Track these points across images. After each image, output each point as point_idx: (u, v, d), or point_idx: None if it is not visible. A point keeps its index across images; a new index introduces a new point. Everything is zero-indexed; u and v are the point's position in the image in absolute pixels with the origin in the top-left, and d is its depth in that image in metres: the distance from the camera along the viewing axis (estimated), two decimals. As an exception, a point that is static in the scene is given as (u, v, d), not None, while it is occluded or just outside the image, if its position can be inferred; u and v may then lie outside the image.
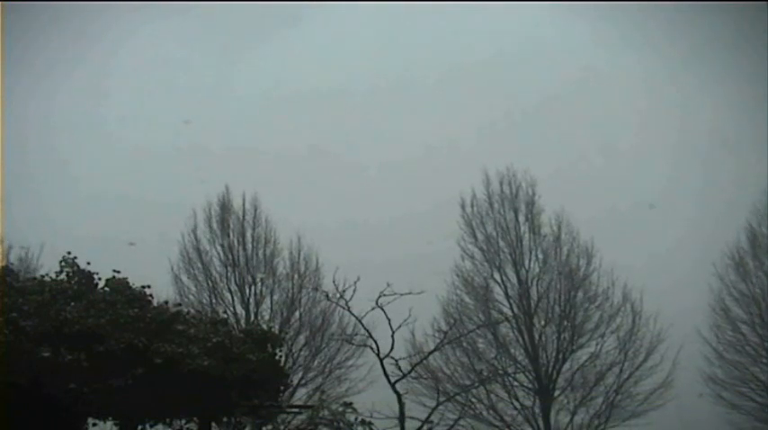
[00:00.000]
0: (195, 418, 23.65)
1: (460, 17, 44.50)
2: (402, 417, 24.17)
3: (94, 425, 22.88)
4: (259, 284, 36.10)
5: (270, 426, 26.06)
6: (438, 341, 31.30)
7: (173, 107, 43.89)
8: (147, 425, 23.08)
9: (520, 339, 35.45)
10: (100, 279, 22.94)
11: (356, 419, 23.31)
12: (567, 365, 35.03)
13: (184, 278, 36.21)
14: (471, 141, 43.27)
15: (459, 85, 45.34)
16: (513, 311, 35.65)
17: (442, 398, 28.75)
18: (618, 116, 42.78)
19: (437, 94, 45.72)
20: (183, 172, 41.74)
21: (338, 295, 25.74)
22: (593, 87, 43.42)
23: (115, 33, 41.29)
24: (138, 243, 31.99)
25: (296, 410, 26.81)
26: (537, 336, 35.32)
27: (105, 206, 40.67)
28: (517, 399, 34.71)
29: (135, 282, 23.04)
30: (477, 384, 33.69)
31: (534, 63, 45.18)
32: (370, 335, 25.39)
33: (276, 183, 40.64)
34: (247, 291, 36.09)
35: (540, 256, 36.28)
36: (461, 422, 30.97)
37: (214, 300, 35.77)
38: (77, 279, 22.60)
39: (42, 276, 23.12)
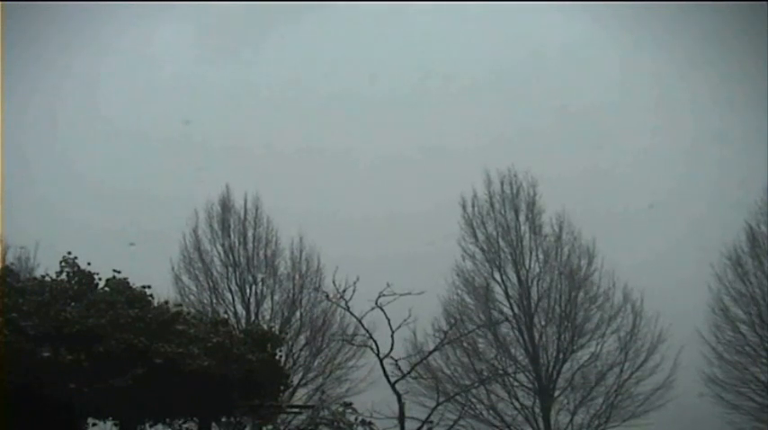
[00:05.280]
0: (195, 418, 23.70)
1: (465, 17, 44.56)
2: (402, 417, 24.17)
3: (94, 425, 22.93)
4: (260, 284, 36.11)
5: (270, 426, 26.09)
6: (438, 341, 31.32)
7: (173, 105, 43.96)
8: (147, 425, 23.13)
9: (520, 339, 35.49)
10: (100, 279, 22.94)
11: (356, 419, 23.35)
12: (567, 365, 35.07)
13: (185, 278, 36.27)
14: (473, 141, 43.29)
15: (463, 85, 45.36)
16: (513, 311, 35.70)
17: (441, 398, 28.72)
18: (618, 116, 42.78)
19: (439, 93, 45.77)
20: (183, 171, 41.80)
21: (338, 295, 25.77)
22: (595, 87, 43.42)
23: (115, 30, 41.35)
24: (138, 243, 32.05)
25: (296, 410, 26.87)
26: (537, 336, 35.35)
27: (105, 205, 40.71)
28: (517, 399, 34.74)
29: (135, 282, 23.04)
30: (477, 384, 33.69)
31: (539, 63, 45.27)
32: (371, 336, 25.40)
33: (277, 181, 40.65)
34: (248, 291, 36.11)
35: (541, 256, 36.32)
36: (461, 422, 30.94)
37: (215, 301, 35.81)
38: (78, 279, 22.61)
39: (42, 276, 23.12)
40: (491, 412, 34.59)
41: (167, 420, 23.35)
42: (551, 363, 35.05)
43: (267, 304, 36.04)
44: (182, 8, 41.04)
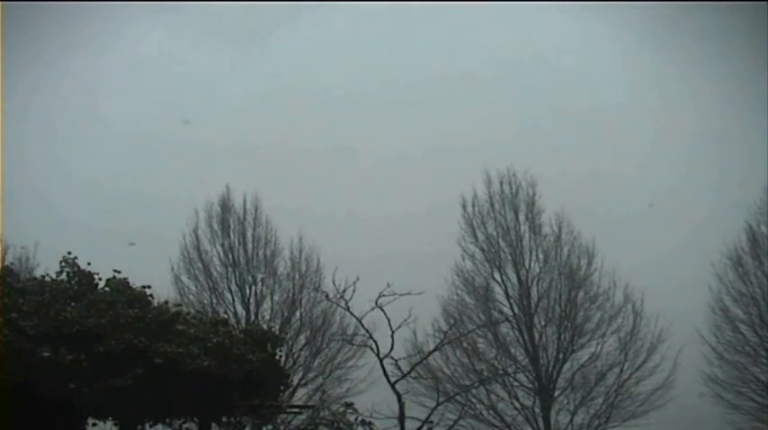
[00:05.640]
0: (195, 418, 23.70)
1: (466, 16, 44.50)
2: (402, 417, 24.17)
3: (94, 425, 22.91)
4: (259, 284, 36.11)
5: (270, 426, 26.09)
6: (438, 341, 31.33)
7: (174, 104, 43.94)
8: (147, 425, 23.12)
9: (520, 339, 35.48)
10: (100, 279, 22.98)
11: (356, 419, 23.34)
12: (567, 365, 35.07)
13: (185, 278, 36.28)
14: (474, 141, 43.25)
15: (463, 85, 45.33)
16: (513, 311, 35.70)
17: (441, 398, 28.74)
18: (618, 116, 42.73)
19: (440, 93, 45.72)
20: (183, 171, 41.81)
21: (338, 295, 25.77)
22: (595, 87, 43.40)
23: (116, 29, 41.33)
24: (138, 243, 32.02)
25: (296, 410, 26.85)
26: (537, 336, 35.34)
27: (105, 205, 40.70)
28: (517, 399, 34.74)
29: (135, 282, 23.07)
30: (477, 384, 33.70)
31: (540, 63, 45.23)
32: (371, 336, 25.41)
33: (276, 181, 40.63)
34: (248, 291, 36.12)
35: (541, 256, 36.32)
36: (461, 422, 30.94)
37: (214, 301, 35.82)
38: (78, 279, 22.64)
39: (42, 276, 23.16)
40: (491, 412, 34.58)
41: (167, 420, 23.36)
42: (551, 363, 35.05)
43: (267, 304, 36.05)
44: (182, 8, 41.03)
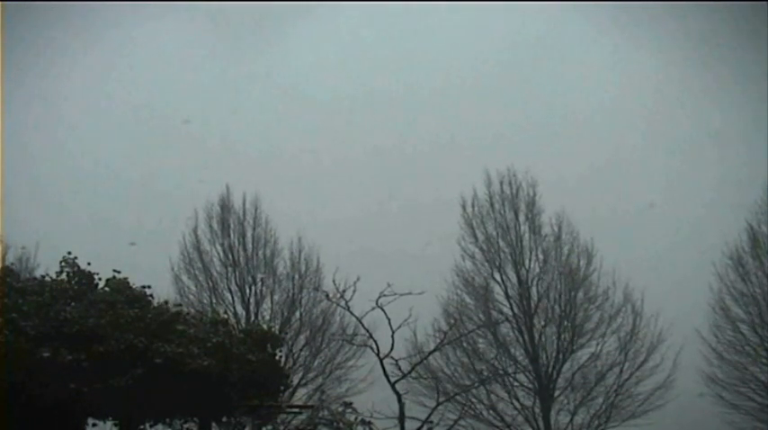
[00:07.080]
0: (195, 418, 23.72)
1: (466, 17, 44.50)
2: (402, 417, 24.18)
3: (94, 425, 22.95)
4: (259, 284, 36.13)
5: (270, 426, 26.10)
6: (438, 341, 31.34)
7: (175, 105, 43.95)
8: (147, 425, 23.15)
9: (520, 339, 35.44)
10: (100, 279, 23.01)
11: (356, 419, 23.36)
12: (567, 365, 35.01)
13: (185, 278, 36.28)
14: (474, 141, 43.24)
15: (463, 86, 45.32)
16: (513, 311, 35.65)
17: (441, 398, 28.75)
18: (619, 117, 42.75)
19: (440, 93, 45.71)
20: (183, 171, 41.79)
21: (338, 295, 25.79)
22: (595, 87, 43.40)
23: (118, 31, 41.39)
24: (139, 243, 32.03)
25: (296, 410, 26.86)
26: (537, 336, 35.29)
27: (106, 205, 40.71)
28: (517, 399, 34.71)
29: (135, 282, 23.09)
30: (477, 384, 33.71)
31: (538, 63, 45.22)
32: (371, 336, 25.41)
33: (276, 181, 40.62)
34: (248, 291, 36.12)
35: (541, 256, 36.26)
36: (461, 422, 30.94)
37: (214, 300, 35.80)
38: (78, 279, 22.67)
39: (42, 276, 23.19)
40: (491, 412, 34.56)
41: (167, 420, 23.39)
42: (551, 363, 35.01)
43: (267, 304, 36.05)
44: (186, 8, 41.06)
